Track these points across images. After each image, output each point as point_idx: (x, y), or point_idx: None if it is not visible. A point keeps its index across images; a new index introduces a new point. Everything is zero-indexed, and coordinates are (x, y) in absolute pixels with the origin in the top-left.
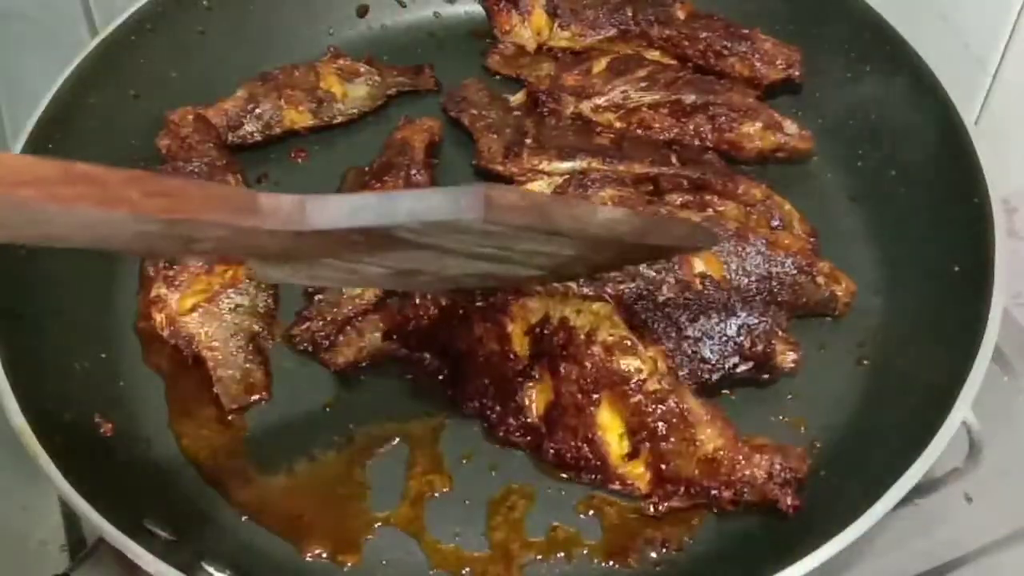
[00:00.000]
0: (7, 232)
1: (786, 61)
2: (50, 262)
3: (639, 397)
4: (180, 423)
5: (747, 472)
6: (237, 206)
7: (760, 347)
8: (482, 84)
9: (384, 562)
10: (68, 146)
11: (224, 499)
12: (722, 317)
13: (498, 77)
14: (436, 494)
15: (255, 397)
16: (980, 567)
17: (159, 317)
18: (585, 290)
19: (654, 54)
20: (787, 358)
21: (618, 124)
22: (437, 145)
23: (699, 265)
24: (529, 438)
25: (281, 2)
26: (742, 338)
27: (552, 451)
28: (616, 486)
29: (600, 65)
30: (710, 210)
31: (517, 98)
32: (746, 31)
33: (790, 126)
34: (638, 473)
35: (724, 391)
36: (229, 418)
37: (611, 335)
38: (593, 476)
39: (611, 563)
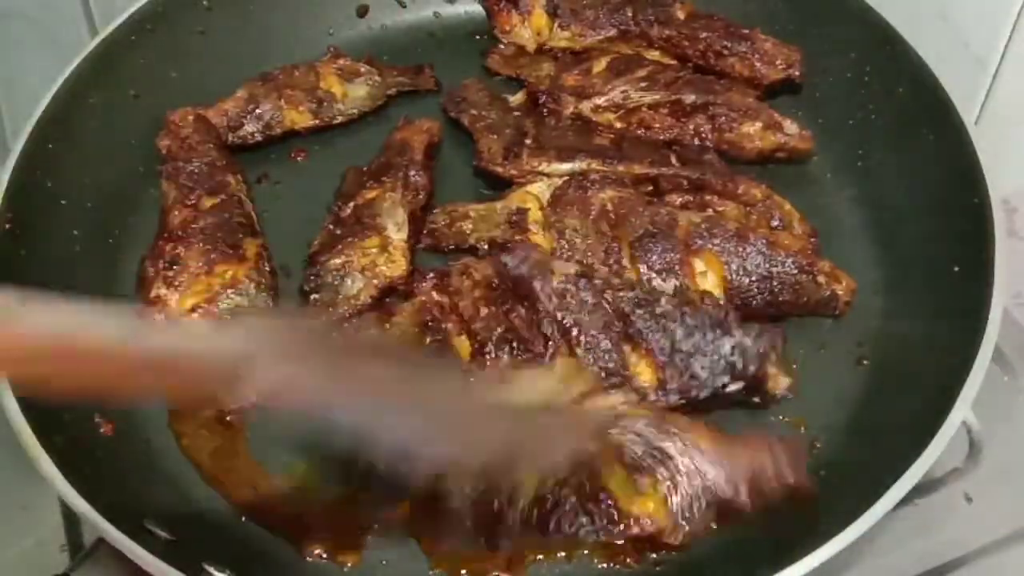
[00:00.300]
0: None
1: (786, 61)
2: (50, 262)
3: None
4: (180, 423)
5: (747, 462)
6: (217, 380)
7: (753, 369)
8: (482, 84)
9: (384, 562)
10: (68, 146)
11: (224, 499)
12: (717, 335)
13: (498, 77)
14: None
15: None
16: (980, 567)
17: (159, 318)
18: None
19: (654, 54)
20: (780, 384)
21: (618, 124)
22: (436, 146)
23: (700, 265)
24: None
25: (281, 2)
26: (735, 358)
27: (555, 526)
28: (635, 529)
29: (600, 65)
30: (710, 210)
31: (517, 98)
32: (746, 31)
33: (790, 126)
34: (653, 506)
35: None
36: (229, 418)
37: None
38: (608, 527)
39: (611, 563)
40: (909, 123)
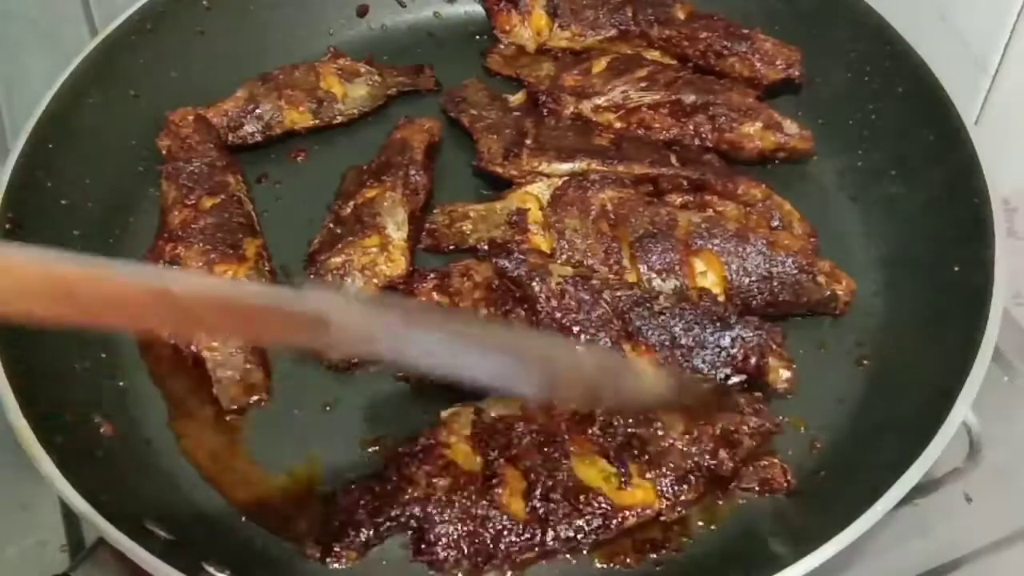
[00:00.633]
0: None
1: (786, 61)
2: None
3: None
4: (180, 423)
5: (720, 425)
6: (311, 327)
7: (753, 360)
8: (482, 84)
9: (384, 562)
10: (68, 146)
11: (224, 499)
12: (717, 328)
13: (498, 77)
14: None
15: (255, 398)
16: (980, 567)
17: None
18: None
19: (654, 54)
20: (780, 376)
21: (618, 124)
22: (436, 146)
23: (700, 265)
24: (530, 540)
25: (281, 2)
26: (736, 350)
27: (554, 536)
28: (632, 519)
29: (600, 65)
30: (710, 210)
31: (517, 98)
32: (746, 31)
33: (790, 126)
34: (643, 494)
35: None
36: (229, 418)
37: None
38: (604, 523)
39: (611, 564)
40: (909, 123)
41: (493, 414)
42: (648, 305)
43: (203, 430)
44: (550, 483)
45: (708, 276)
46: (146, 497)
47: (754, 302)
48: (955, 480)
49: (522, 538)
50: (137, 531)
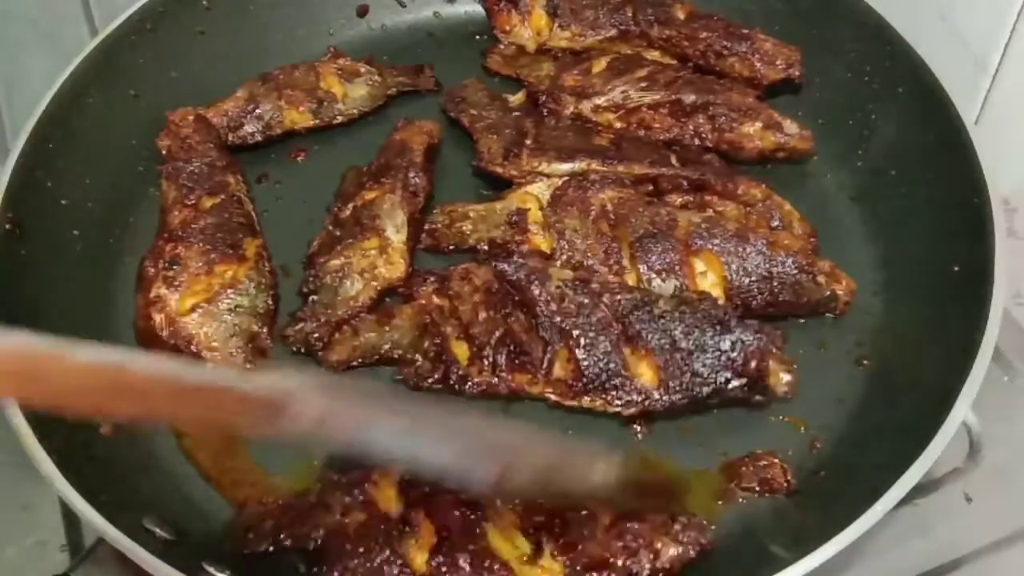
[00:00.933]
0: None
1: (786, 61)
2: (50, 262)
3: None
4: None
5: (650, 526)
6: (265, 412)
7: (753, 364)
8: (482, 84)
9: None
10: (68, 146)
11: (224, 499)
12: (717, 331)
13: (498, 77)
14: None
15: None
16: (980, 567)
17: (158, 318)
18: None
19: (654, 54)
20: (781, 380)
21: (618, 124)
22: (436, 148)
23: (700, 265)
24: None
25: (281, 2)
26: (736, 353)
27: None
28: None
29: (600, 65)
30: (710, 210)
31: (517, 98)
32: (746, 31)
33: (790, 126)
34: (554, 571)
35: (715, 410)
36: None
37: None
38: None
39: None
40: (909, 123)
41: None
42: (648, 309)
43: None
44: (459, 545)
45: (708, 276)
46: (146, 497)
47: (754, 302)
48: (955, 480)
49: None
50: (137, 531)
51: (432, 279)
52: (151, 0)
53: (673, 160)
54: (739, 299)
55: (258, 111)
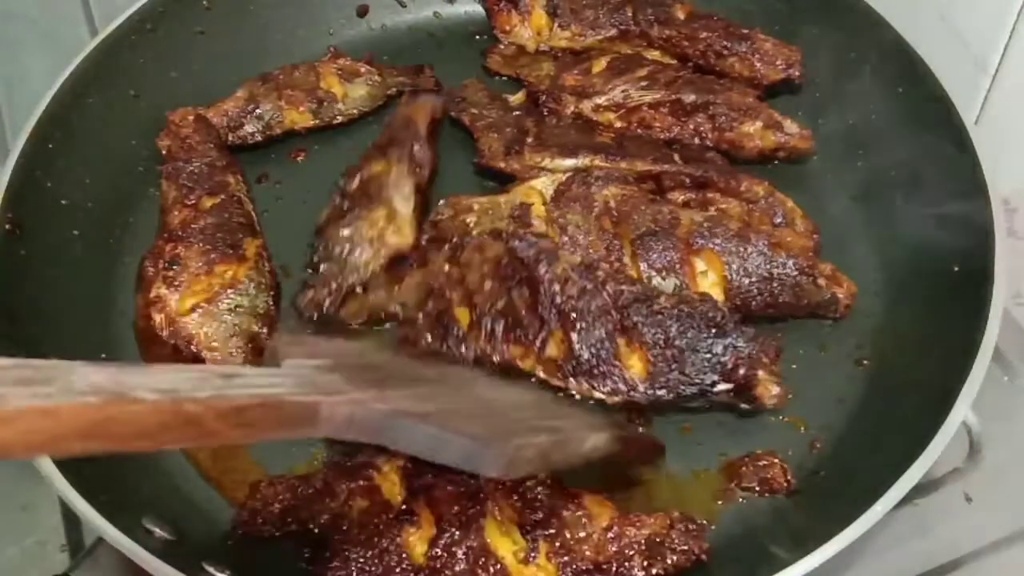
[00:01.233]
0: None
1: (786, 61)
2: (49, 262)
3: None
4: None
5: (647, 531)
6: (299, 422)
7: (742, 371)
8: (482, 84)
9: None
10: (68, 146)
11: (224, 499)
12: (712, 334)
13: (498, 77)
14: None
15: None
16: (980, 567)
17: (158, 317)
18: None
19: (654, 54)
20: (769, 391)
21: (618, 124)
22: (440, 122)
23: (701, 264)
24: None
25: (281, 2)
26: (727, 358)
27: None
28: None
29: (600, 65)
30: (713, 209)
31: (517, 98)
32: (746, 31)
33: (790, 126)
34: (548, 571)
35: (708, 411)
36: None
37: None
38: None
39: None
40: (909, 123)
41: None
42: (648, 303)
43: None
44: (457, 537)
45: (708, 276)
46: (146, 497)
47: (754, 303)
48: (955, 480)
49: None
50: (137, 531)
51: (447, 247)
52: (151, 0)
53: (676, 157)
54: (739, 299)
55: (258, 111)
